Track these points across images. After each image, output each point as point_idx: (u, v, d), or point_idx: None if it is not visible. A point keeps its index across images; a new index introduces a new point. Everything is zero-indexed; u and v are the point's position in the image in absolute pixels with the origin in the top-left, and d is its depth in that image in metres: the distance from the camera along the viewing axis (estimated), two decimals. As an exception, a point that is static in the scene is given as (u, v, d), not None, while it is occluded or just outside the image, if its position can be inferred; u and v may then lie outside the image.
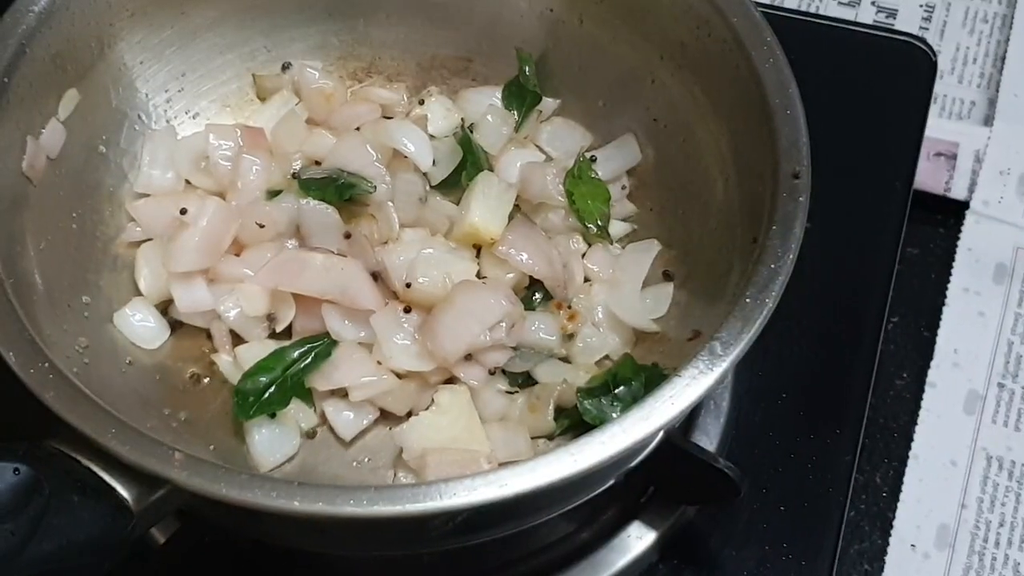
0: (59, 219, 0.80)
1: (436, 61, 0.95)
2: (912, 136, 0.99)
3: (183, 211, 0.82)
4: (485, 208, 0.83)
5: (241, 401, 0.78)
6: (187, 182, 0.88)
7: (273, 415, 0.79)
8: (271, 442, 0.79)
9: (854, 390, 0.87)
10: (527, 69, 0.90)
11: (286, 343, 0.81)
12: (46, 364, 0.65)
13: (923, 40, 1.04)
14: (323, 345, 0.81)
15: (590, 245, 0.87)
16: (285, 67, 0.93)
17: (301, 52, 0.93)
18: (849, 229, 0.94)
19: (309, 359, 0.80)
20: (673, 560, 0.81)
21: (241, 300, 0.82)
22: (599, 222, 0.86)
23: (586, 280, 0.85)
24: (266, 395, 0.79)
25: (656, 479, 0.79)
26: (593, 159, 0.89)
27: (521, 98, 0.91)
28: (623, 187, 0.89)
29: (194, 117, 0.91)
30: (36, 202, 0.78)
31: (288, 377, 0.80)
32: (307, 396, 0.81)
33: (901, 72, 1.02)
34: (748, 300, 0.67)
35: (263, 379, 0.79)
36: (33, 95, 0.78)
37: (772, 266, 0.68)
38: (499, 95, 0.92)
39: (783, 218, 0.70)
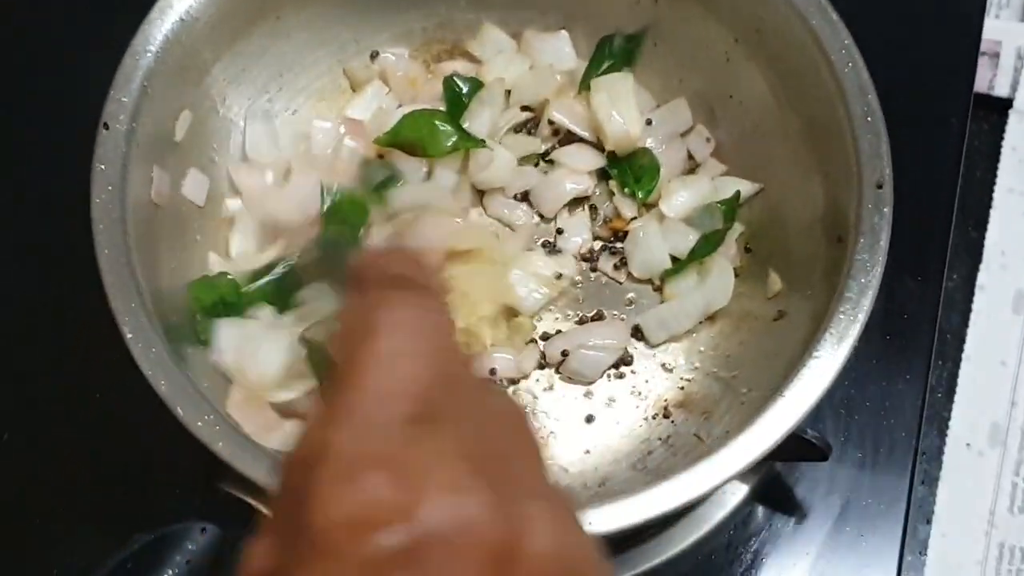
0: (185, 237, 0.85)
1: (518, 41, 0.97)
2: (970, 43, 1.01)
3: (286, 172, 0.88)
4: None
5: None
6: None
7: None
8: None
9: (921, 336, 0.91)
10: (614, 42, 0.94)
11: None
12: (211, 416, 0.69)
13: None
14: None
15: None
16: (373, 56, 0.96)
17: (387, 41, 0.96)
18: (913, 139, 0.90)
19: None
20: (766, 508, 0.87)
21: None
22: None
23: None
24: None
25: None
26: (648, 121, 0.93)
27: (600, 62, 0.95)
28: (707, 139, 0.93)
29: (293, 113, 0.94)
30: (165, 227, 0.82)
31: None
32: None
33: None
34: (842, 316, 0.72)
35: None
36: (155, 128, 0.81)
37: (862, 280, 0.73)
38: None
39: (870, 230, 0.74)
